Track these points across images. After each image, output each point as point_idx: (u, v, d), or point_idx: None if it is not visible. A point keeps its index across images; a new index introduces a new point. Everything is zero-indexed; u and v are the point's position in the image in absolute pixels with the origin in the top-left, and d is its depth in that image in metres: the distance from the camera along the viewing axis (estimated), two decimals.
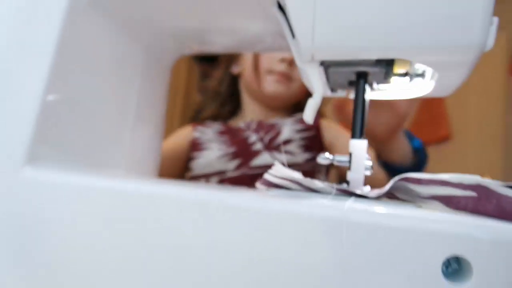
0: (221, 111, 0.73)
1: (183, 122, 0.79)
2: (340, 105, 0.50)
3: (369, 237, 0.19)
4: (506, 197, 0.21)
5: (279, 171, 0.29)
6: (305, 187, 0.27)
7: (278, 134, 0.66)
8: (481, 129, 2.23)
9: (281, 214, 0.21)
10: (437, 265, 0.18)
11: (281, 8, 0.29)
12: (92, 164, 0.32)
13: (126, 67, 0.35)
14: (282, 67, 0.65)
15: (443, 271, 0.18)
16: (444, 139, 2.36)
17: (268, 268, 0.20)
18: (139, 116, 0.37)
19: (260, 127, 0.68)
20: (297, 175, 0.28)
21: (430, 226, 0.19)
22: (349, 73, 0.28)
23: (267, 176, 0.29)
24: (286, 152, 0.62)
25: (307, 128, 0.67)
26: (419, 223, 0.19)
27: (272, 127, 0.67)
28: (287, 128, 0.67)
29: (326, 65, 0.28)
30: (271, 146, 0.65)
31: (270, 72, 0.66)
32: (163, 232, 0.22)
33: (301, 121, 0.67)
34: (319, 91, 0.26)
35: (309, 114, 0.26)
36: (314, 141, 0.67)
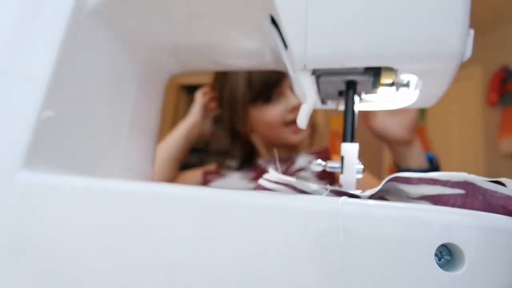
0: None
1: None
2: (365, 114, 0.56)
3: (363, 229, 0.20)
4: (491, 191, 0.22)
5: (273, 176, 0.30)
6: (299, 190, 0.28)
7: (293, 163, 0.69)
8: (462, 157, 2.29)
9: (276, 209, 0.21)
10: (430, 254, 0.19)
11: (274, 22, 0.31)
12: (87, 172, 0.32)
13: (123, 79, 0.36)
14: (294, 116, 0.66)
15: (437, 261, 0.19)
16: None
17: (264, 261, 0.20)
18: (134, 127, 0.37)
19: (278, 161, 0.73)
20: (291, 179, 0.28)
21: (422, 215, 0.19)
22: (339, 83, 0.30)
23: (261, 181, 0.30)
24: (300, 178, 0.64)
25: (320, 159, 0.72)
26: (412, 212, 0.19)
27: (288, 159, 0.71)
28: (302, 159, 0.70)
29: (317, 74, 0.29)
30: (287, 173, 0.67)
31: (285, 124, 0.67)
32: (159, 231, 0.22)
33: (314, 153, 0.72)
34: (312, 97, 0.28)
35: (302, 119, 0.27)
36: (326, 171, 0.69)
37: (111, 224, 0.23)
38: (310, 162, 0.69)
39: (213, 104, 0.72)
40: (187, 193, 0.23)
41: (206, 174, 0.73)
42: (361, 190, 0.29)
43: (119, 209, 0.23)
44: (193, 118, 0.70)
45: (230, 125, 0.72)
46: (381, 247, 0.19)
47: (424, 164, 0.58)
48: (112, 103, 0.35)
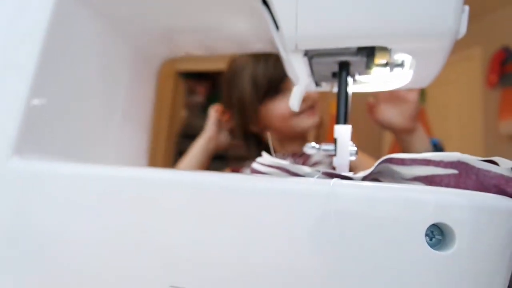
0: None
1: (169, 137, 0.79)
2: (370, 106, 0.57)
3: (355, 210, 0.20)
4: (483, 170, 0.22)
5: (266, 160, 0.29)
6: (293, 173, 0.27)
7: (308, 157, 0.71)
8: (462, 140, 2.29)
9: (272, 192, 0.21)
10: (421, 233, 0.18)
11: (265, 3, 0.30)
12: (79, 158, 0.32)
13: (114, 65, 0.35)
14: (303, 105, 0.66)
15: (427, 241, 0.19)
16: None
17: (260, 244, 0.20)
18: (126, 115, 0.37)
19: (294, 156, 0.73)
20: (284, 162, 0.28)
21: (412, 195, 0.19)
22: (332, 64, 0.29)
23: (255, 165, 0.30)
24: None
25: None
26: (403, 193, 0.19)
27: (303, 154, 0.72)
28: (317, 154, 0.71)
29: (310, 56, 0.29)
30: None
31: (297, 113, 0.67)
32: (155, 215, 0.22)
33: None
34: (304, 79, 0.27)
35: (294, 101, 0.27)
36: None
37: (105, 209, 0.23)
38: (325, 156, 0.70)
39: (225, 117, 0.74)
40: (183, 178, 0.23)
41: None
42: (352, 172, 0.29)
43: (114, 195, 0.23)
44: (208, 134, 0.73)
45: (243, 128, 0.72)
46: (372, 227, 0.19)
47: (429, 149, 0.59)
48: (104, 89, 0.35)
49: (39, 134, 0.28)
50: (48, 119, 0.29)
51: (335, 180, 0.21)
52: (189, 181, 0.22)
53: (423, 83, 0.31)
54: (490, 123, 2.18)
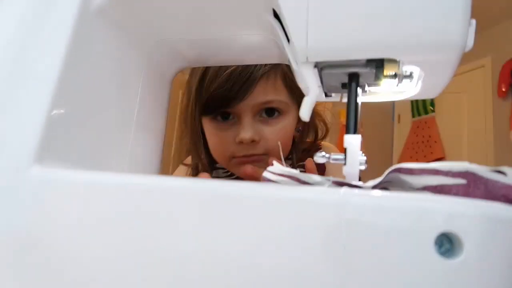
0: None
1: (181, 145, 0.74)
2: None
3: (365, 219, 0.20)
4: (492, 181, 0.22)
5: (277, 168, 0.30)
6: (303, 182, 0.28)
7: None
8: (473, 149, 2.27)
9: (281, 200, 0.22)
10: (429, 242, 0.19)
11: (276, 16, 0.31)
12: (96, 169, 0.33)
13: (129, 75, 0.37)
14: (241, 150, 0.56)
15: (436, 248, 0.19)
16: (439, 160, 2.40)
17: (269, 253, 0.21)
18: (140, 124, 0.38)
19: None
20: (294, 171, 0.29)
21: (421, 204, 0.20)
22: (342, 75, 0.30)
23: (266, 174, 0.30)
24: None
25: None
26: (411, 202, 0.20)
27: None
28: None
29: (320, 67, 0.30)
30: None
31: (231, 157, 0.58)
32: (173, 225, 0.23)
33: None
34: (314, 89, 0.28)
35: (305, 111, 0.28)
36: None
37: (123, 218, 0.24)
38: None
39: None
40: (197, 186, 0.23)
41: None
42: (362, 182, 0.30)
43: (132, 203, 0.24)
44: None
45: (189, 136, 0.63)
46: (382, 236, 0.20)
47: None
48: (119, 100, 0.36)
49: (59, 143, 0.29)
50: (68, 129, 0.30)
51: (345, 189, 0.22)
52: (205, 189, 0.23)
53: (432, 93, 0.32)
54: (500, 132, 2.16)
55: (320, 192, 0.21)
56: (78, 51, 0.31)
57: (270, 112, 0.57)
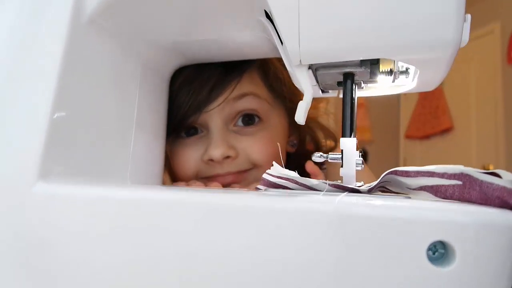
0: None
1: None
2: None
3: (359, 228, 0.20)
4: (486, 183, 0.22)
5: (276, 170, 0.30)
6: (301, 184, 0.28)
7: None
8: (482, 118, 2.24)
9: (278, 211, 0.22)
10: (422, 250, 0.19)
11: (268, 16, 0.31)
12: (100, 175, 0.34)
13: (125, 80, 0.37)
14: (210, 169, 0.47)
15: (429, 256, 0.20)
16: (447, 131, 2.37)
17: (265, 263, 0.22)
18: (140, 126, 0.38)
19: None
20: (293, 174, 0.29)
21: (415, 213, 0.20)
22: (337, 74, 0.30)
23: (265, 176, 0.31)
24: None
25: None
26: (405, 211, 0.20)
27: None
28: None
29: (314, 68, 0.30)
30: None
31: (197, 177, 0.49)
32: (175, 237, 0.24)
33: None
34: (309, 92, 0.28)
35: (300, 115, 0.28)
36: None
37: (128, 232, 0.25)
38: None
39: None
40: (198, 200, 0.24)
41: None
42: (362, 182, 0.30)
43: (135, 217, 0.25)
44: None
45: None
46: (375, 245, 0.20)
47: None
48: (117, 105, 0.36)
49: (61, 156, 0.30)
50: (68, 140, 0.31)
51: (340, 198, 0.22)
52: (201, 202, 0.23)
53: (429, 87, 0.32)
54: (510, 98, 2.13)
55: (315, 202, 0.22)
56: (73, 63, 0.31)
57: (247, 120, 0.47)
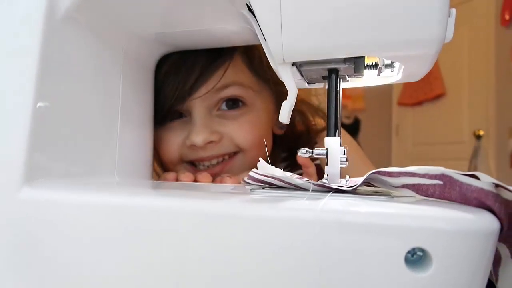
0: None
1: None
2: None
3: (339, 233, 0.21)
4: (466, 184, 0.23)
5: (263, 169, 0.31)
6: (286, 183, 0.29)
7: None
8: (474, 84, 2.24)
9: (263, 220, 0.22)
10: (400, 256, 0.20)
11: (251, 9, 0.30)
12: (87, 172, 0.34)
13: (107, 73, 0.36)
14: (194, 154, 0.47)
15: (408, 259, 0.20)
16: (439, 97, 2.37)
17: (254, 269, 0.22)
18: (125, 119, 0.38)
19: None
20: (279, 173, 0.30)
21: (393, 220, 0.20)
22: (321, 70, 0.29)
23: (251, 173, 0.31)
24: None
25: None
26: (383, 218, 0.21)
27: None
28: None
29: (299, 64, 0.29)
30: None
31: (182, 160, 0.49)
32: (162, 244, 0.24)
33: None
34: (293, 92, 0.28)
35: (284, 115, 0.28)
36: None
37: (115, 237, 0.25)
38: None
39: None
40: (183, 207, 0.24)
41: None
42: (347, 177, 0.30)
43: (122, 223, 0.25)
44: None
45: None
46: (354, 251, 0.21)
47: None
48: (101, 99, 0.36)
49: (45, 157, 0.30)
50: (52, 140, 0.31)
51: (322, 205, 0.22)
52: (188, 210, 0.24)
53: (415, 78, 0.31)
54: (502, 64, 2.12)
55: (297, 210, 0.22)
56: (51, 61, 0.30)
57: (231, 104, 0.47)
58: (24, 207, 0.27)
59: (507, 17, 2.11)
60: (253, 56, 0.47)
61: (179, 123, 0.48)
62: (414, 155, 2.46)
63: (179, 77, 0.43)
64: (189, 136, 0.45)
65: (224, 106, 0.47)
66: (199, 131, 0.45)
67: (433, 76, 2.37)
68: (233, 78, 0.45)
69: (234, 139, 0.47)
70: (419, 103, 2.45)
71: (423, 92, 2.41)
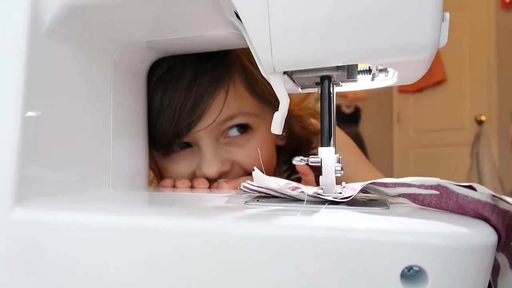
0: None
1: None
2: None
3: (334, 251, 0.21)
4: (462, 195, 0.22)
5: (258, 180, 0.30)
6: (281, 194, 0.28)
7: None
8: (475, 69, 2.21)
9: (256, 237, 0.22)
10: (396, 273, 0.20)
11: (239, 17, 0.29)
12: (80, 186, 0.33)
13: (96, 83, 0.35)
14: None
15: (404, 274, 0.20)
16: (440, 83, 2.35)
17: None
18: (117, 128, 0.38)
19: None
20: (273, 184, 0.29)
21: (389, 238, 0.20)
22: (314, 77, 0.29)
23: (246, 184, 0.31)
24: None
25: None
26: (379, 235, 0.20)
27: None
28: None
29: (290, 72, 0.28)
30: None
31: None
32: (155, 262, 0.24)
33: None
34: (284, 102, 0.27)
35: (276, 126, 0.27)
36: None
37: (110, 258, 0.25)
38: None
39: None
40: (175, 226, 0.24)
41: None
42: (341, 186, 0.30)
43: (116, 243, 0.25)
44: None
45: None
46: (349, 268, 0.20)
47: None
48: (91, 110, 0.35)
49: (37, 174, 0.30)
50: (43, 157, 0.30)
51: (315, 221, 0.22)
52: (183, 229, 0.23)
53: (410, 81, 0.31)
54: (503, 47, 2.09)
55: (291, 228, 0.22)
56: (38, 76, 0.30)
57: (239, 128, 0.47)
58: (16, 228, 0.27)
59: (507, 0, 2.08)
60: (253, 82, 0.46)
61: (187, 154, 0.47)
62: (415, 142, 2.45)
63: (173, 111, 0.42)
64: (200, 167, 0.45)
65: (231, 132, 0.47)
66: (211, 163, 0.44)
67: (433, 62, 2.34)
68: (236, 109, 0.45)
69: (244, 165, 0.47)
70: (420, 90, 2.43)
71: (424, 79, 2.36)
